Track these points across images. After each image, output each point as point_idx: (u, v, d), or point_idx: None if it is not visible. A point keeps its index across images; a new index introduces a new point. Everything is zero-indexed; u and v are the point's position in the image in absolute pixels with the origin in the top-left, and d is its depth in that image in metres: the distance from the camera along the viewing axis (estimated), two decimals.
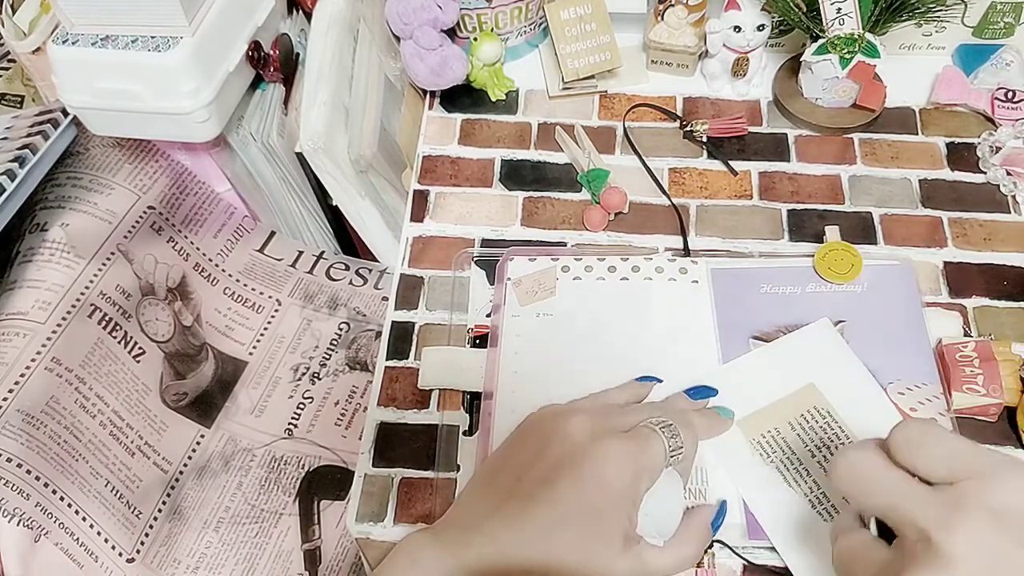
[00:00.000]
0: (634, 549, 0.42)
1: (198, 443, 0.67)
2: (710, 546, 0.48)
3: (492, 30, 0.70)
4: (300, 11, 0.75)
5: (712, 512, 0.47)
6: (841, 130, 0.67)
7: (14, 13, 0.71)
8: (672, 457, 0.44)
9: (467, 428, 0.54)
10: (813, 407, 0.52)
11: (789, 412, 0.52)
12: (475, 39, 0.70)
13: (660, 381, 0.53)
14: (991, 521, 0.31)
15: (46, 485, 0.57)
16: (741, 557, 0.48)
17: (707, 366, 0.54)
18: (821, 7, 0.60)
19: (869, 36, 0.61)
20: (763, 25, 0.65)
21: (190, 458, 0.66)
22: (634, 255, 0.60)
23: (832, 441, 0.51)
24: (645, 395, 0.52)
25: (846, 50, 0.62)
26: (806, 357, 0.54)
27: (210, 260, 0.75)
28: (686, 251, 0.61)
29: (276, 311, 0.75)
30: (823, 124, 0.67)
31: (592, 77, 0.70)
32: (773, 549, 0.48)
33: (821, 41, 0.62)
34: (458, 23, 0.68)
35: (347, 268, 0.79)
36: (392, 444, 0.54)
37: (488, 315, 0.58)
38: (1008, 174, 0.63)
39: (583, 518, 0.41)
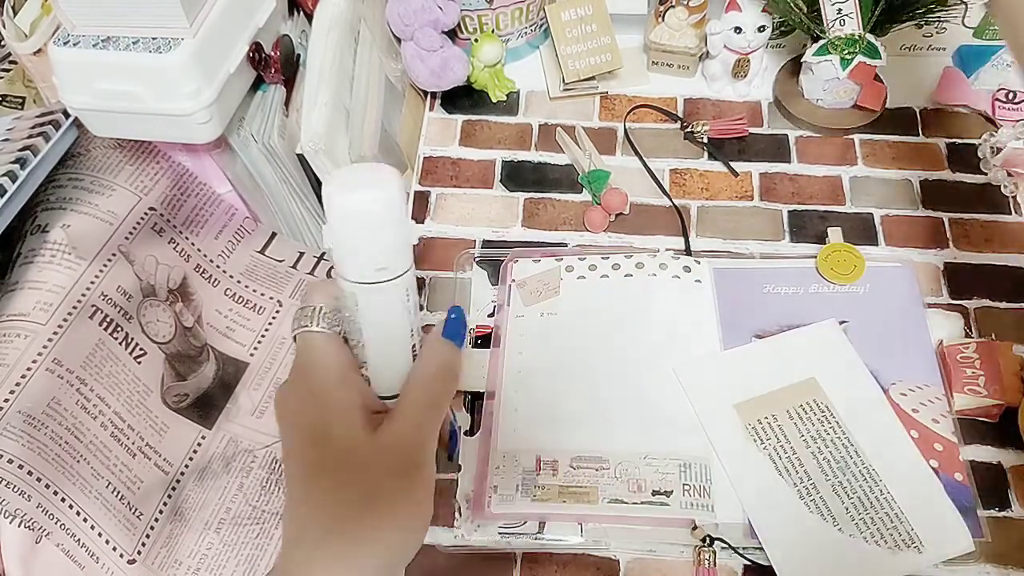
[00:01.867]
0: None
1: (199, 444, 0.67)
2: (703, 540, 0.48)
3: (493, 31, 0.70)
4: (301, 12, 0.75)
5: (440, 327, 0.39)
6: (842, 131, 0.67)
7: (15, 15, 0.71)
8: (323, 325, 0.38)
9: (468, 428, 0.54)
10: (812, 400, 0.52)
11: (788, 402, 0.52)
12: (476, 40, 0.70)
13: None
14: None
15: (47, 486, 0.57)
16: (743, 556, 0.48)
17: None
18: (822, 8, 0.60)
19: (870, 37, 0.61)
20: (764, 26, 0.65)
21: (191, 459, 0.66)
22: (638, 252, 0.60)
23: (828, 435, 0.51)
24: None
25: (847, 51, 0.62)
26: (810, 352, 0.54)
27: (211, 261, 0.75)
28: (687, 252, 0.61)
29: (277, 312, 0.75)
30: (824, 125, 0.67)
31: (593, 78, 0.70)
32: None
33: (822, 42, 0.62)
34: (459, 24, 0.68)
35: None
36: None
37: (490, 315, 0.58)
38: (1009, 175, 0.63)
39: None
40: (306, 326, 0.38)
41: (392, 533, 0.35)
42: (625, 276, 0.58)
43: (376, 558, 0.34)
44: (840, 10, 0.60)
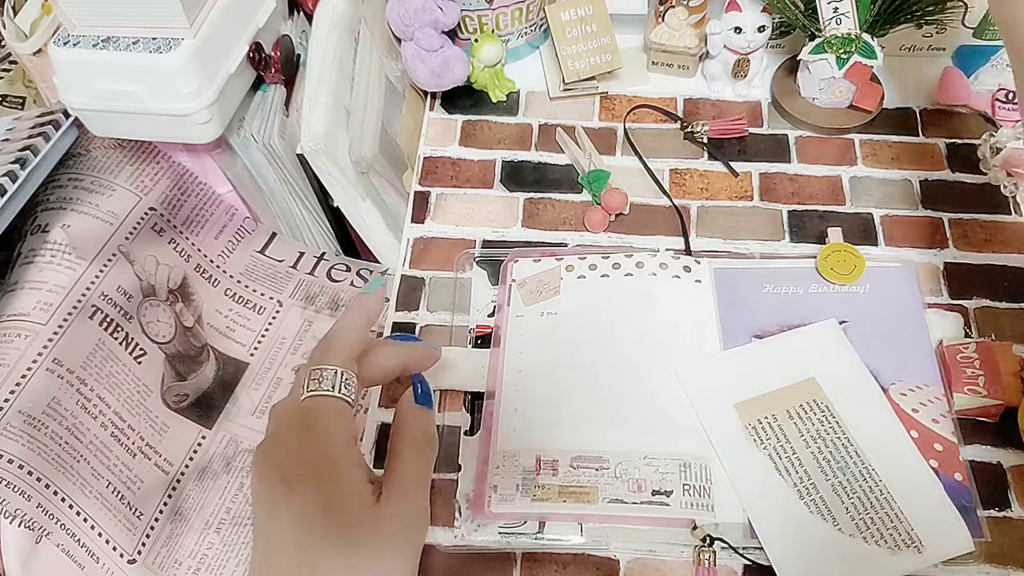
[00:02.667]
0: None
1: (199, 444, 0.67)
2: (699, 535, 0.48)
3: (493, 31, 0.70)
4: (301, 12, 0.75)
5: (411, 396, 0.42)
6: (838, 130, 0.67)
7: (15, 15, 0.71)
8: (338, 388, 0.39)
9: (468, 428, 0.54)
10: (812, 400, 0.52)
11: (788, 401, 0.52)
12: (476, 40, 0.70)
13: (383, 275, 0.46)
14: None
15: (47, 486, 0.57)
16: (743, 556, 0.48)
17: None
18: (818, 6, 0.61)
19: (866, 37, 0.61)
20: (764, 26, 0.65)
21: (191, 459, 0.66)
22: (638, 252, 0.60)
23: (828, 435, 0.51)
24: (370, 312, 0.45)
25: (843, 50, 0.62)
26: (810, 352, 0.54)
27: (211, 261, 0.75)
28: (687, 252, 0.61)
29: (277, 312, 0.75)
30: (820, 124, 0.67)
31: (593, 78, 0.70)
32: None
33: (818, 40, 0.62)
34: (459, 24, 0.68)
35: (348, 269, 0.79)
36: None
37: (490, 315, 0.58)
38: (1009, 175, 0.63)
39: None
40: (327, 390, 0.39)
41: None
42: (625, 275, 0.58)
43: None
44: (836, 9, 0.60)
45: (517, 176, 0.67)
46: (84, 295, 0.64)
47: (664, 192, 0.65)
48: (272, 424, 0.40)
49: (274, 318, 0.75)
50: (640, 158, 0.67)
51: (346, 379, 0.40)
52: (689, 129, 0.68)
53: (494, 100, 0.72)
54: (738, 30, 0.65)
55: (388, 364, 0.44)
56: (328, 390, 0.39)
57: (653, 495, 0.49)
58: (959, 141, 0.67)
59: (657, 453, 0.51)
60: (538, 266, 0.60)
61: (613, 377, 0.54)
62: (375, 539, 0.36)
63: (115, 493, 0.60)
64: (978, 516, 0.49)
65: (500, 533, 0.50)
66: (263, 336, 0.74)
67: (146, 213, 0.70)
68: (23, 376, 0.59)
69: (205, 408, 0.69)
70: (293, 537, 0.36)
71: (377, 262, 0.79)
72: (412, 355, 0.45)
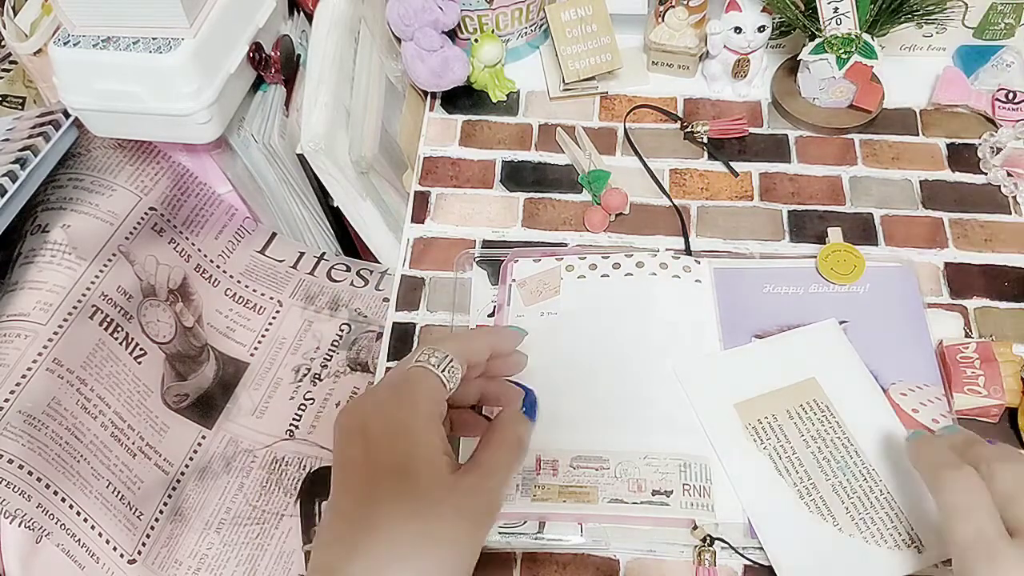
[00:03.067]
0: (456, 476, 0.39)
1: (199, 444, 0.67)
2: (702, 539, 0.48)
3: (493, 31, 0.70)
4: (301, 13, 0.75)
5: (519, 398, 0.44)
6: (838, 130, 0.67)
7: (15, 15, 0.71)
8: (444, 371, 0.41)
9: None
10: (813, 400, 0.52)
11: (788, 401, 0.52)
12: (476, 40, 0.70)
13: (526, 333, 0.49)
14: None
15: (47, 486, 0.57)
16: (743, 556, 0.48)
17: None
18: (818, 6, 0.60)
19: (866, 37, 0.61)
20: (764, 26, 0.65)
21: (191, 459, 0.66)
22: (638, 252, 0.60)
23: (828, 435, 0.51)
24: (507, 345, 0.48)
25: (843, 50, 0.62)
26: (810, 352, 0.54)
27: (211, 261, 0.75)
28: (687, 252, 0.61)
29: (277, 312, 0.75)
30: (820, 124, 0.67)
31: (593, 78, 0.70)
32: None
33: (818, 40, 0.62)
34: (459, 24, 0.68)
35: (348, 269, 0.79)
36: None
37: (490, 315, 0.58)
38: (1009, 175, 0.63)
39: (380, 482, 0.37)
40: (432, 365, 0.41)
41: (447, 570, 0.36)
42: (625, 275, 0.58)
43: None
44: (836, 9, 0.60)
45: (517, 176, 0.67)
46: (84, 295, 0.64)
47: (664, 192, 0.65)
48: (377, 384, 0.42)
49: (274, 318, 0.75)
50: (640, 158, 0.67)
51: (452, 366, 0.41)
52: (689, 129, 0.68)
53: (494, 100, 0.72)
54: (738, 30, 0.65)
55: (478, 344, 0.45)
56: (433, 366, 0.41)
57: (653, 495, 0.49)
58: (959, 141, 0.67)
59: (657, 453, 0.51)
60: (538, 266, 0.60)
61: (613, 377, 0.54)
62: (442, 506, 0.37)
63: (115, 493, 0.60)
64: None
65: (500, 533, 0.50)
66: (263, 336, 0.74)
67: (146, 213, 0.70)
68: (23, 376, 0.59)
69: (205, 408, 0.69)
70: (362, 486, 0.37)
71: (377, 262, 0.79)
72: (500, 337, 0.48)
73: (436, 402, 0.40)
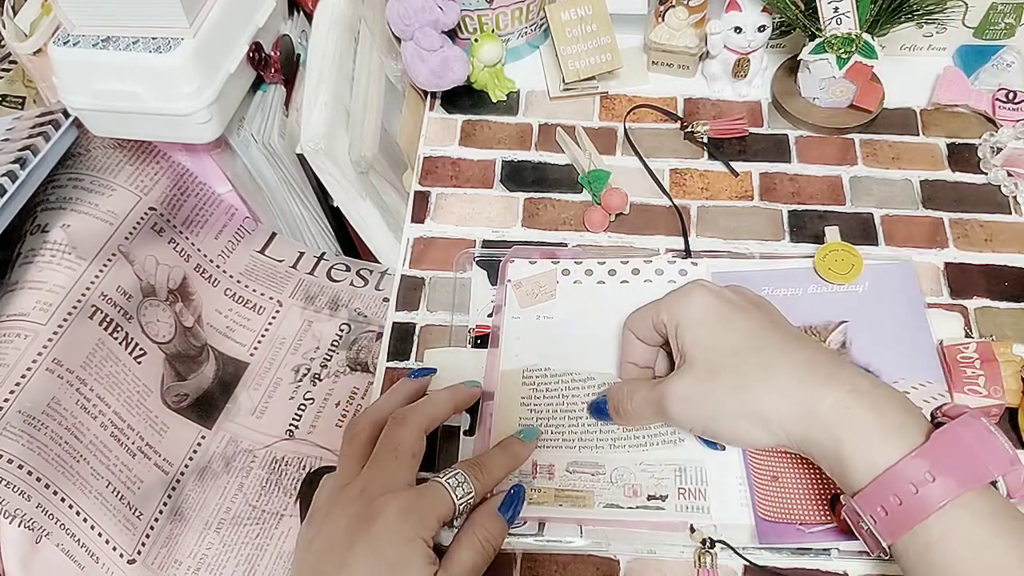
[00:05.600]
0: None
1: (199, 444, 0.67)
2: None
3: (493, 31, 0.70)
4: (301, 12, 0.75)
5: (498, 500, 0.48)
6: (838, 130, 0.67)
7: (15, 15, 0.71)
8: (462, 502, 0.46)
9: (467, 428, 0.54)
10: None
11: None
12: (476, 40, 0.70)
13: (434, 371, 0.54)
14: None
15: (47, 486, 0.57)
16: (743, 558, 0.48)
17: None
18: (819, 6, 0.60)
19: (866, 37, 0.61)
20: (764, 26, 0.65)
21: (191, 459, 0.66)
22: (634, 257, 0.60)
23: None
24: (415, 392, 0.53)
25: (843, 50, 0.62)
26: None
27: (211, 261, 0.75)
28: (687, 252, 0.61)
29: (277, 312, 0.75)
30: (820, 124, 0.67)
31: (593, 78, 0.70)
32: (774, 550, 0.48)
33: (818, 40, 0.62)
34: (459, 24, 0.68)
35: (348, 269, 0.79)
36: None
37: (490, 315, 0.58)
38: (1009, 175, 0.63)
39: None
40: (451, 487, 0.46)
41: None
42: (621, 283, 0.58)
43: None
44: (837, 8, 0.60)
45: (517, 176, 0.67)
46: (84, 295, 0.64)
47: (664, 192, 0.65)
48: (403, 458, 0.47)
49: (274, 318, 0.75)
50: (640, 158, 0.67)
51: (466, 491, 0.46)
52: (689, 129, 0.68)
53: (494, 100, 0.72)
54: (738, 30, 0.65)
55: (443, 410, 0.51)
56: (451, 488, 0.46)
57: (648, 500, 0.49)
58: (959, 141, 0.67)
59: (652, 459, 0.51)
60: (534, 268, 0.60)
61: (609, 383, 0.54)
62: None
63: (115, 493, 0.60)
64: None
65: None
66: (263, 336, 0.74)
67: (146, 213, 0.70)
68: (23, 376, 0.59)
69: (205, 408, 0.69)
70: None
71: (377, 262, 0.79)
72: (463, 396, 0.53)
73: (445, 515, 0.45)
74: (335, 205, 0.72)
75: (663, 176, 0.66)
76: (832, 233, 0.60)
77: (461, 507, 0.45)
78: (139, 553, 0.60)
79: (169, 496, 0.63)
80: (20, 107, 0.82)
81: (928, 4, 0.61)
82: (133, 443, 0.63)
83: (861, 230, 0.62)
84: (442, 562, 0.43)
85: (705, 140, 0.67)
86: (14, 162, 0.61)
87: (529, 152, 0.68)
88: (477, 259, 0.62)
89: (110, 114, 0.63)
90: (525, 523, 0.50)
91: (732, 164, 0.66)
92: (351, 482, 0.46)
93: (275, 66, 0.69)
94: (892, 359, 0.54)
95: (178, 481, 0.64)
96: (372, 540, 0.42)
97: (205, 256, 0.74)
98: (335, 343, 0.74)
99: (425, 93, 0.72)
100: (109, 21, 0.60)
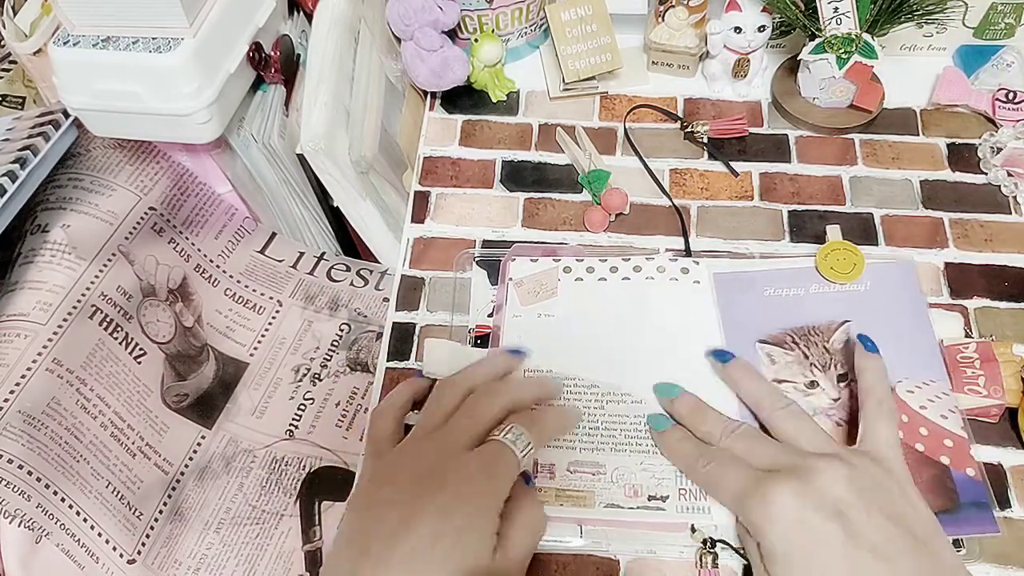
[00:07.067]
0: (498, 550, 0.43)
1: (199, 444, 0.67)
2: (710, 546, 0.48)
3: (493, 31, 0.70)
4: (301, 12, 0.75)
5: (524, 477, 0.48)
6: (838, 130, 0.67)
7: (15, 15, 0.71)
8: (524, 458, 0.45)
9: None
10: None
11: None
12: (476, 40, 0.70)
13: (528, 352, 0.54)
14: None
15: (47, 486, 0.57)
16: (743, 558, 0.48)
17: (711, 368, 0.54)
18: (818, 6, 0.60)
19: (866, 37, 0.61)
20: (764, 26, 0.65)
21: (191, 459, 0.66)
22: (636, 255, 0.60)
23: None
24: (509, 368, 0.53)
25: (843, 50, 0.62)
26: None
27: (211, 261, 0.75)
28: (687, 252, 0.61)
29: (277, 312, 0.75)
30: (820, 124, 0.67)
31: (593, 78, 0.70)
32: None
33: (818, 40, 0.62)
34: (459, 24, 0.68)
35: (348, 269, 0.79)
36: None
37: (490, 315, 0.58)
38: (1009, 175, 0.63)
39: (453, 535, 0.41)
40: (519, 449, 0.45)
41: None
42: (623, 279, 0.58)
43: None
44: (837, 8, 0.60)
45: (517, 176, 0.67)
46: (84, 295, 0.64)
47: (664, 192, 0.65)
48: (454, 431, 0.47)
49: (274, 318, 0.75)
50: (640, 158, 0.67)
51: (531, 447, 0.46)
52: (689, 129, 0.68)
53: (494, 100, 0.72)
54: (738, 30, 0.65)
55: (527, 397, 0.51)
56: (519, 450, 0.46)
57: (649, 500, 0.49)
58: (959, 141, 0.67)
59: (653, 460, 0.51)
60: (535, 266, 0.60)
61: (610, 382, 0.54)
62: None
63: (115, 493, 0.60)
64: (992, 512, 0.48)
65: None
66: (263, 336, 0.74)
67: (146, 213, 0.70)
68: (23, 376, 0.59)
69: (205, 408, 0.69)
70: (398, 531, 0.41)
71: (377, 262, 0.79)
72: (545, 389, 0.52)
73: (512, 483, 0.44)
74: (335, 205, 0.72)
75: (663, 176, 0.66)
76: (834, 232, 0.60)
77: (524, 462, 0.45)
78: (139, 553, 0.60)
79: (169, 496, 0.63)
80: (20, 107, 0.82)
81: (928, 4, 0.61)
82: (133, 443, 0.63)
83: (861, 230, 0.62)
84: (499, 540, 0.43)
85: (705, 140, 0.67)
86: (14, 162, 0.61)
87: (529, 152, 0.68)
88: (477, 259, 0.61)
89: (110, 114, 0.63)
90: None
91: (732, 164, 0.66)
92: (430, 436, 0.46)
93: (275, 66, 0.69)
94: (895, 359, 0.53)
95: (178, 481, 0.64)
96: (441, 503, 0.41)
97: (205, 256, 0.74)
98: (335, 343, 0.74)
99: (425, 93, 0.72)
100: (109, 21, 0.60)
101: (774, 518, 0.42)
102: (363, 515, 0.43)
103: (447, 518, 0.41)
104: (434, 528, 0.40)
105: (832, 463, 0.43)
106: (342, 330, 0.74)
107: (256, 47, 0.66)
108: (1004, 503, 0.50)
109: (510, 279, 0.59)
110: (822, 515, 0.41)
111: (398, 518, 0.41)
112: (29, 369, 0.59)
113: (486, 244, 0.63)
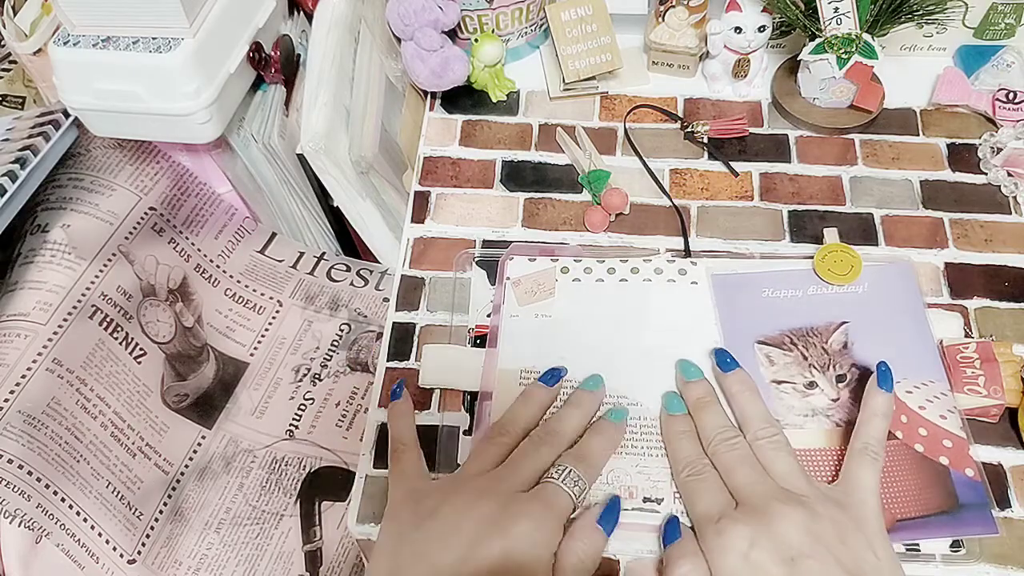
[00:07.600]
0: None
1: (199, 444, 0.67)
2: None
3: (493, 31, 0.70)
4: (301, 12, 0.75)
5: (596, 512, 0.47)
6: (838, 130, 0.67)
7: (15, 15, 0.71)
8: (581, 499, 0.47)
9: (467, 428, 0.54)
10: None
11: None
12: (476, 40, 0.70)
13: (564, 372, 0.54)
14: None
15: (47, 486, 0.57)
16: None
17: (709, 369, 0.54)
18: (819, 6, 0.60)
19: (867, 37, 0.61)
20: (764, 26, 0.65)
21: (191, 459, 0.66)
22: (633, 257, 0.60)
23: None
24: (550, 402, 0.53)
25: (843, 50, 0.62)
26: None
27: (211, 261, 0.75)
28: (687, 252, 0.61)
29: (277, 312, 0.75)
30: (820, 124, 0.67)
31: (593, 78, 0.70)
32: None
33: (818, 40, 0.62)
34: (459, 24, 0.68)
35: (348, 269, 0.79)
36: None
37: (489, 315, 0.58)
38: (1009, 175, 0.63)
39: None
40: (576, 494, 0.46)
41: None
42: (620, 281, 0.58)
43: None
44: (837, 8, 0.60)
45: (517, 176, 0.67)
46: (84, 295, 0.64)
47: (664, 192, 0.65)
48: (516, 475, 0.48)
49: (274, 318, 0.75)
50: (640, 158, 0.67)
51: (582, 484, 0.47)
52: (689, 129, 0.68)
53: (494, 100, 0.72)
54: (738, 30, 0.65)
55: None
56: (576, 495, 0.47)
57: (644, 502, 0.49)
58: (959, 141, 0.67)
59: (649, 461, 0.51)
60: (533, 265, 0.60)
61: (608, 383, 0.54)
62: None
63: (115, 493, 0.60)
64: (991, 512, 0.48)
65: None
66: (263, 336, 0.74)
67: (146, 213, 0.70)
68: (23, 376, 0.59)
69: (205, 408, 0.69)
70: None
71: (377, 262, 0.79)
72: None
73: (566, 520, 0.45)
74: (335, 205, 0.72)
75: (663, 176, 0.66)
76: (831, 234, 0.60)
77: (579, 502, 0.46)
78: (139, 553, 0.60)
79: (169, 496, 0.63)
80: (20, 107, 0.82)
81: (928, 4, 0.61)
82: (133, 443, 0.63)
83: (861, 230, 0.62)
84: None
85: (705, 140, 0.67)
86: (14, 162, 0.61)
87: (529, 152, 0.68)
88: (477, 259, 0.61)
89: (110, 114, 0.63)
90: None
91: (732, 164, 0.66)
92: (485, 475, 0.47)
93: (275, 66, 0.69)
94: (893, 359, 0.53)
95: (178, 481, 0.64)
96: (508, 546, 0.42)
97: (205, 256, 0.74)
98: (335, 343, 0.74)
99: (425, 93, 0.72)
100: (109, 21, 0.60)
101: (726, 551, 0.43)
102: (418, 531, 0.44)
103: (511, 559, 0.42)
104: (498, 566, 0.42)
105: (795, 510, 0.43)
106: (342, 330, 0.74)
107: (256, 47, 0.66)
108: (1004, 503, 0.50)
109: (507, 278, 0.59)
110: (772, 559, 0.42)
111: (461, 552, 0.42)
112: (29, 369, 0.59)
113: (486, 244, 0.63)
